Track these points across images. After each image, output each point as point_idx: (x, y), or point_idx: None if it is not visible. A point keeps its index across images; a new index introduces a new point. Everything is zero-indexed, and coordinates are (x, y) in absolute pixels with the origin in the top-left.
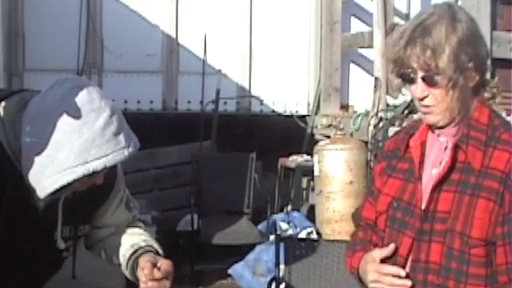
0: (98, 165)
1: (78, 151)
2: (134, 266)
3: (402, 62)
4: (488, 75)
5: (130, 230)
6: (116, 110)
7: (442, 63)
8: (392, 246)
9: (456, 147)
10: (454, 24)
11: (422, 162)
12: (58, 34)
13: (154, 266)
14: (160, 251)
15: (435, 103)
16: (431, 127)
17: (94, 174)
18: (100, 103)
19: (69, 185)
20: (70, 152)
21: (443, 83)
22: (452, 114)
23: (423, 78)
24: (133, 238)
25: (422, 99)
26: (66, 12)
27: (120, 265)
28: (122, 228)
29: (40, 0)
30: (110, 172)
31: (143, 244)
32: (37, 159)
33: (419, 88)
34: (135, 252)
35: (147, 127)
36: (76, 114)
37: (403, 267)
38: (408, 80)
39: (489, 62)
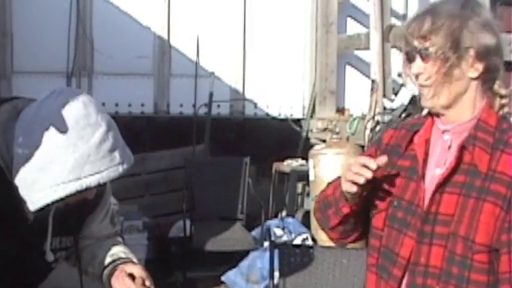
0: (91, 181)
1: (72, 166)
2: (111, 274)
3: (406, 40)
4: (501, 81)
5: (110, 242)
6: (112, 125)
7: (438, 37)
8: (384, 159)
9: (462, 148)
10: (463, 11)
11: (425, 161)
12: (47, 36)
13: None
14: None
15: (429, 82)
16: (434, 119)
17: (87, 189)
18: (96, 118)
19: (59, 199)
20: (63, 167)
21: (434, 57)
22: (446, 98)
23: (419, 52)
24: (112, 249)
25: (417, 76)
26: (55, 13)
27: (94, 275)
28: (101, 240)
29: (29, 1)
30: None
31: (123, 255)
32: (29, 171)
33: (416, 63)
34: (114, 261)
35: (138, 131)
36: (72, 128)
37: (405, 269)
38: (409, 58)
39: (499, 60)
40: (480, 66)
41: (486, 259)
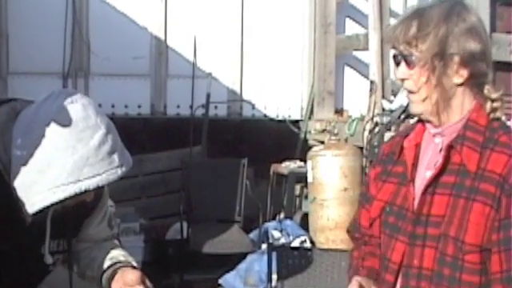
0: (90, 184)
1: (70, 169)
2: (111, 278)
3: (392, 44)
4: (490, 85)
5: (108, 245)
6: (111, 127)
7: (423, 45)
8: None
9: (450, 148)
10: (449, 15)
11: (415, 165)
12: (43, 36)
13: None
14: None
15: (415, 89)
16: (424, 125)
17: (86, 192)
18: (96, 120)
19: (58, 202)
20: (62, 169)
21: (420, 65)
22: (433, 105)
23: (404, 58)
24: (111, 252)
25: (402, 81)
26: (51, 13)
27: (93, 278)
28: (99, 243)
29: (25, 1)
30: None
31: (122, 259)
32: (27, 173)
33: (400, 68)
34: (114, 264)
35: (135, 132)
36: (71, 130)
37: (397, 274)
38: (396, 62)
39: (485, 65)
40: (465, 72)
41: (477, 259)
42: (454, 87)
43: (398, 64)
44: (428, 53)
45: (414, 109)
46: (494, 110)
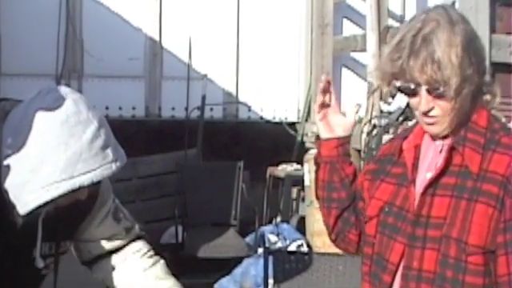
0: (84, 180)
1: (64, 165)
2: None
3: (404, 75)
4: (487, 77)
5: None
6: (103, 122)
7: (448, 75)
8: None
9: (452, 149)
10: (453, 29)
11: (415, 166)
12: (37, 37)
13: None
14: None
15: (441, 114)
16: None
17: (80, 189)
18: (87, 115)
19: (52, 200)
20: (55, 166)
21: (449, 94)
22: (457, 123)
23: (428, 91)
24: None
25: (427, 111)
26: (44, 14)
27: None
28: (136, 265)
29: (18, 1)
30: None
31: None
32: (19, 173)
33: (424, 101)
34: None
35: (129, 135)
36: (62, 126)
37: (394, 274)
38: (409, 93)
39: (487, 62)
40: (477, 78)
41: (480, 261)
42: (470, 96)
43: (413, 95)
44: (455, 80)
45: (437, 131)
46: (493, 96)
